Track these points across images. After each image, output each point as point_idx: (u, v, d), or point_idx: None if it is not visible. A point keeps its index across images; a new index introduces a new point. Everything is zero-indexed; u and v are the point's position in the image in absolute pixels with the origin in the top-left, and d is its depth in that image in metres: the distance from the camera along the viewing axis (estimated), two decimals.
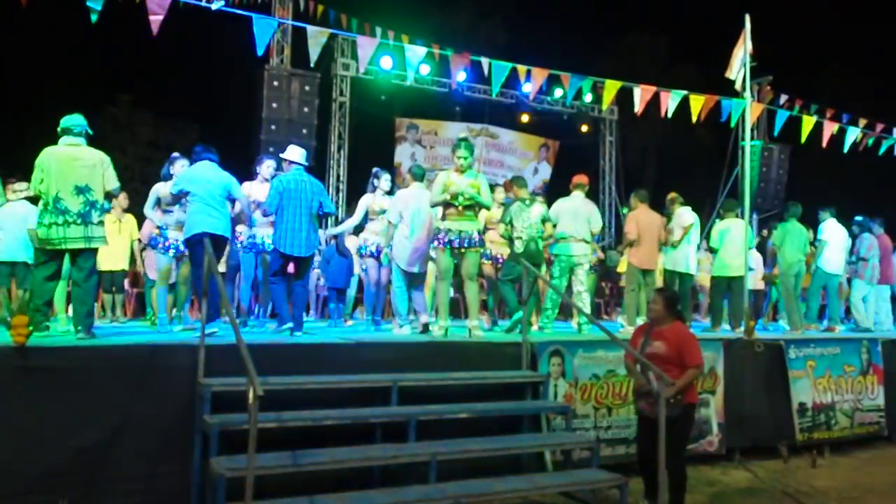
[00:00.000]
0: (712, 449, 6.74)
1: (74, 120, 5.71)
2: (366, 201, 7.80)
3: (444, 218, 6.69)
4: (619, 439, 6.22)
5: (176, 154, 7.24)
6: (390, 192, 7.79)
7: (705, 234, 10.22)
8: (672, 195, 8.89)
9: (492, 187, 7.40)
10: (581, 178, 8.20)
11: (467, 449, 4.97)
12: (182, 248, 6.74)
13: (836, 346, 7.79)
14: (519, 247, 7.42)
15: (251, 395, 3.61)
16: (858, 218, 9.93)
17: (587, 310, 7.79)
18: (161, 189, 7.02)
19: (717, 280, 8.82)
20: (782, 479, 6.45)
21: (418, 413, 5.05)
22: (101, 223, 5.70)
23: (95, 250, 5.78)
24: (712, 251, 9.06)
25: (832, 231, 9.34)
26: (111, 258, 9.03)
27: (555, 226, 7.78)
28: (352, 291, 10.33)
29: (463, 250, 6.55)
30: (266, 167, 7.73)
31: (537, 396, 5.85)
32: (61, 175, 5.52)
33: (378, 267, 7.82)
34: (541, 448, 5.58)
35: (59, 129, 5.71)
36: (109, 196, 5.89)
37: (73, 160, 5.58)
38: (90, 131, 5.83)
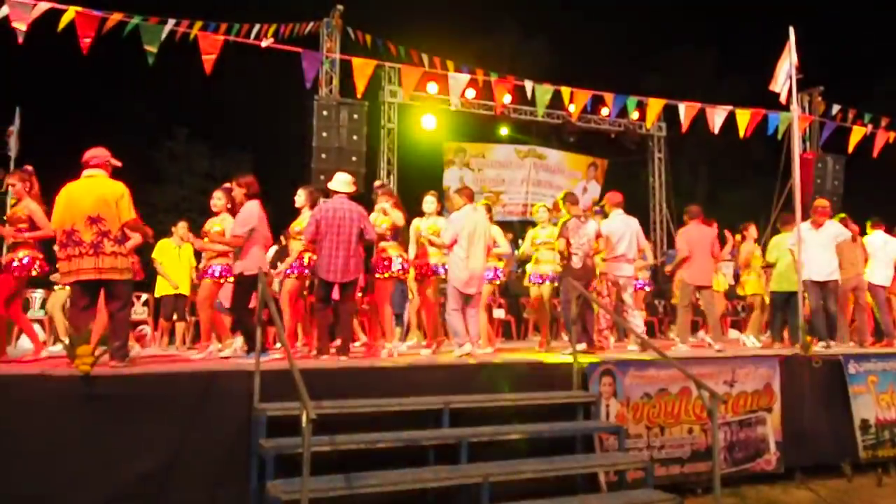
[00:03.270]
0: (770, 468, 6.59)
1: (92, 153, 5.75)
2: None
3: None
4: (673, 459, 6.15)
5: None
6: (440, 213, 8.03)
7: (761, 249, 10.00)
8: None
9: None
10: (616, 197, 8.19)
11: (519, 470, 4.99)
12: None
13: None
14: (577, 263, 7.40)
15: (304, 418, 3.74)
16: None
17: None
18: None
19: (776, 295, 8.67)
20: (846, 498, 6.26)
21: (469, 435, 5.11)
22: (114, 254, 5.55)
23: (123, 282, 5.64)
24: (770, 266, 8.89)
25: (875, 243, 9.11)
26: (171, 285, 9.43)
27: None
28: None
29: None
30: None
31: (589, 417, 5.85)
32: (74, 207, 5.53)
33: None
34: (594, 469, 5.54)
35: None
36: (127, 226, 5.72)
37: (87, 192, 5.58)
38: (117, 163, 5.85)
